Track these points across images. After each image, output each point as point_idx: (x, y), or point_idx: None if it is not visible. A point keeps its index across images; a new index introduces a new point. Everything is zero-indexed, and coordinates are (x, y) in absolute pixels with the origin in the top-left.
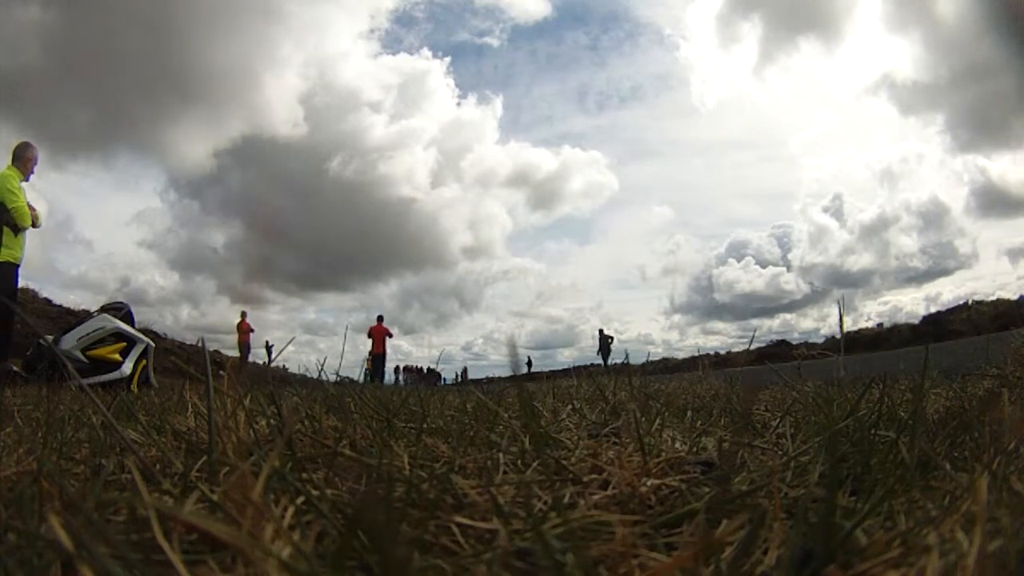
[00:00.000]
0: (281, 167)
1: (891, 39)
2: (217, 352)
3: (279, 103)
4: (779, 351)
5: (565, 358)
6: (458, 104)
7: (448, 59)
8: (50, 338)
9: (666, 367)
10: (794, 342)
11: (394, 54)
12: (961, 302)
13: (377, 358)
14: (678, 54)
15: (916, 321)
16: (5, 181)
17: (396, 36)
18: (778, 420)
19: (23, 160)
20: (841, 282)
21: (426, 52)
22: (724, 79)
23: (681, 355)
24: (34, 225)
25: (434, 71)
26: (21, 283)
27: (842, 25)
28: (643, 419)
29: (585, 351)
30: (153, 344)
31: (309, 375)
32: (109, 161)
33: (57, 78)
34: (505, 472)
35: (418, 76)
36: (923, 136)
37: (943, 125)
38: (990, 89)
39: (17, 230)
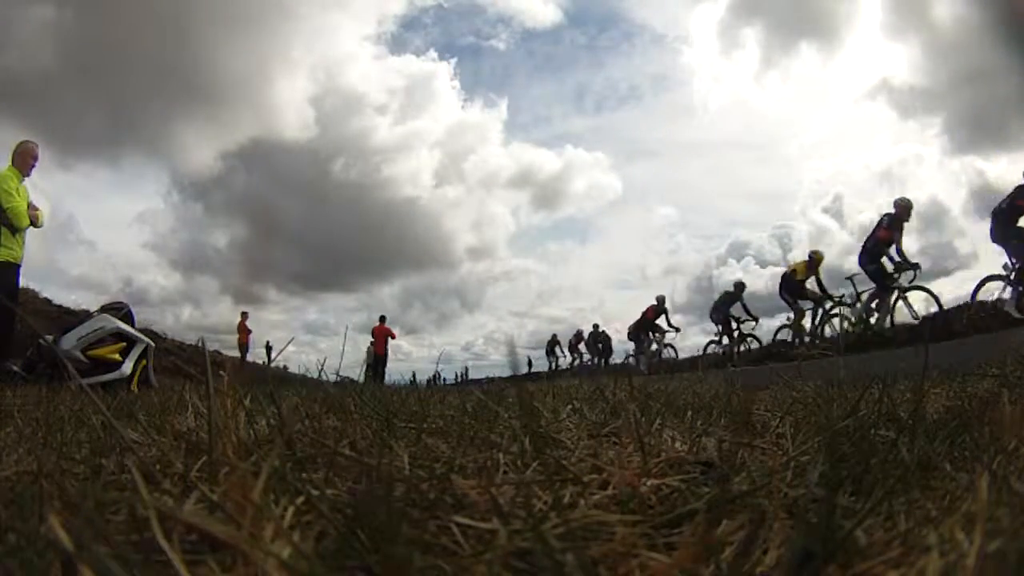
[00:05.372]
0: (288, 169)
1: (890, 45)
2: (217, 352)
3: (289, 106)
4: (779, 351)
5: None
6: (462, 107)
7: (454, 60)
8: (50, 338)
9: (666, 367)
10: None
11: (400, 56)
12: (961, 302)
13: (379, 359)
14: (681, 58)
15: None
16: (1, 181)
17: (402, 39)
18: (778, 420)
19: (22, 158)
20: (841, 282)
21: (432, 54)
22: (726, 83)
23: (681, 355)
24: (35, 225)
25: (440, 73)
26: (22, 283)
27: (842, 31)
28: (643, 419)
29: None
30: (153, 344)
31: (309, 375)
32: (116, 162)
33: (68, 79)
34: (505, 472)
35: (424, 78)
36: (922, 139)
37: (941, 128)
38: (987, 92)
39: (14, 230)
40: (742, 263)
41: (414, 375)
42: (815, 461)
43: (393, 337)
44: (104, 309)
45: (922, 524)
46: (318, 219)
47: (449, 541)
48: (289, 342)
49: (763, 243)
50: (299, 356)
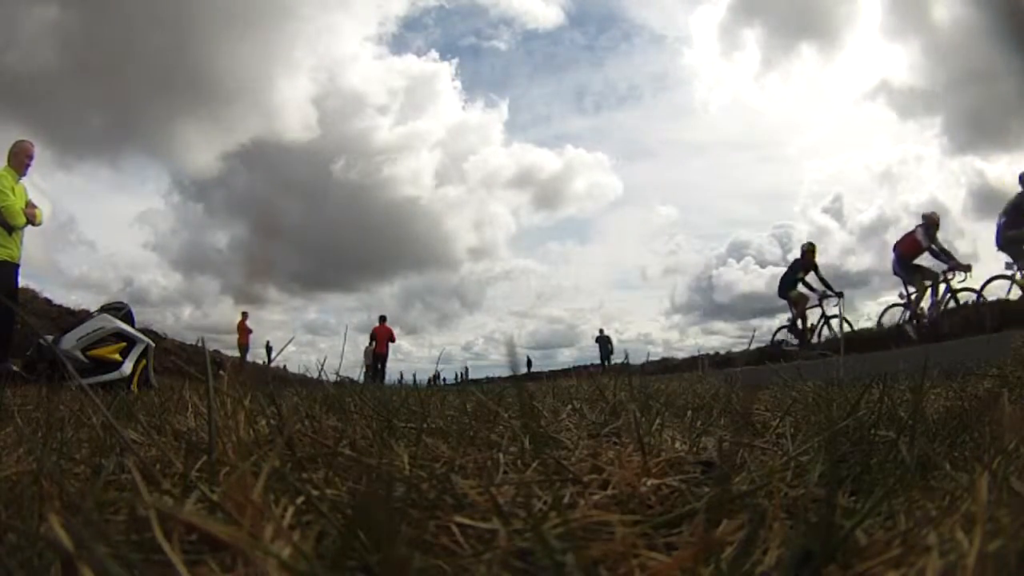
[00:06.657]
0: (290, 169)
1: (890, 46)
2: (217, 352)
3: (290, 106)
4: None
5: (565, 358)
6: (463, 107)
7: (456, 61)
8: (50, 338)
9: (666, 367)
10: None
11: (401, 56)
12: (961, 302)
13: (379, 358)
14: (681, 58)
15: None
16: None
17: (404, 40)
18: (778, 420)
19: (18, 157)
20: (841, 282)
21: (433, 54)
22: (726, 83)
23: (681, 355)
24: (33, 223)
25: (441, 74)
26: (22, 283)
27: (842, 32)
28: (643, 419)
29: (585, 351)
30: (153, 344)
31: (309, 375)
32: (116, 162)
33: (69, 79)
34: (505, 472)
35: (425, 79)
36: (921, 139)
37: (940, 128)
38: (987, 93)
39: (11, 229)
40: (742, 263)
41: (403, 376)
42: (815, 461)
43: (393, 340)
44: (104, 309)
45: (922, 524)
46: (319, 219)
47: (449, 541)
48: (289, 342)
49: (763, 243)
50: (299, 356)
